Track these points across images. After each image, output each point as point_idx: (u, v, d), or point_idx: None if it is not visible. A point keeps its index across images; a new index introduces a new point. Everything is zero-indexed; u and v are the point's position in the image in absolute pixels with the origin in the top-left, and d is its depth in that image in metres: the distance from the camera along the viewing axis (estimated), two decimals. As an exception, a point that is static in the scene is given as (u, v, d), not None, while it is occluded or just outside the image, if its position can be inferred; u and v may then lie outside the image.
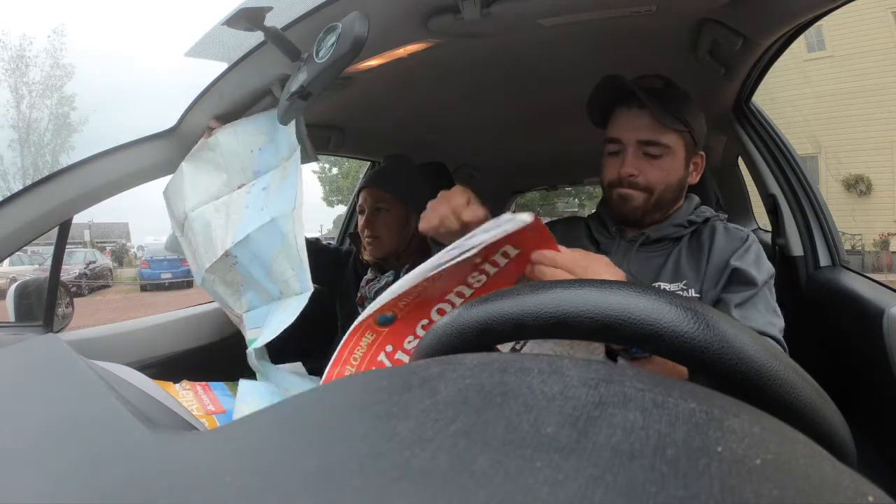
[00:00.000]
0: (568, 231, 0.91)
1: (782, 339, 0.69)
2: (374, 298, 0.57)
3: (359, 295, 1.26)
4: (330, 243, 1.69)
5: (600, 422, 0.16)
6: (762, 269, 0.74)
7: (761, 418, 0.18)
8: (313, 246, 1.34)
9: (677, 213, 0.83)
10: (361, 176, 1.58)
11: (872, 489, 0.15)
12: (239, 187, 0.88)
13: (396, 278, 1.04)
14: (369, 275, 1.27)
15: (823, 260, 1.23)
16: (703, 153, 0.84)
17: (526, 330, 0.32)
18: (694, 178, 0.84)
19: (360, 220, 1.26)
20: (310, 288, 0.71)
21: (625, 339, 0.30)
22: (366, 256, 1.26)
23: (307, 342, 1.22)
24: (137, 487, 0.19)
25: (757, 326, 0.67)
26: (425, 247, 0.58)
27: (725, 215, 0.86)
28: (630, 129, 0.78)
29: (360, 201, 1.27)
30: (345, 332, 0.56)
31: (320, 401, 0.23)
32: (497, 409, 0.18)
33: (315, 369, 0.90)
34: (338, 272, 1.39)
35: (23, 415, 0.30)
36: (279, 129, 0.82)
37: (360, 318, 0.54)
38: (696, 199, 0.86)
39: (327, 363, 0.56)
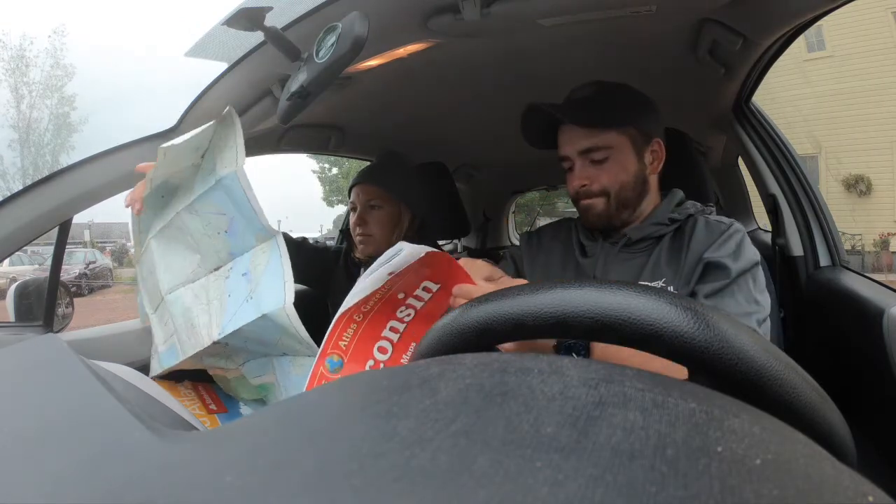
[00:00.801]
0: (557, 233, 0.92)
1: (758, 330, 0.68)
2: None
3: None
4: (330, 243, 1.69)
5: (600, 422, 0.16)
6: (740, 258, 0.72)
7: (761, 418, 0.18)
8: (296, 247, 1.30)
9: (656, 211, 0.82)
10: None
11: (872, 489, 0.15)
12: (215, 269, 0.83)
13: None
14: (363, 273, 1.25)
15: (823, 260, 1.23)
16: (660, 140, 0.82)
17: (526, 330, 0.33)
18: (655, 168, 0.82)
19: (352, 217, 1.23)
20: (317, 353, 0.66)
21: (625, 339, 0.30)
22: (358, 255, 1.24)
23: None
24: (137, 487, 0.19)
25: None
26: (419, 244, 0.58)
27: (712, 209, 0.84)
28: (569, 144, 0.81)
29: (352, 198, 1.25)
30: None
31: (320, 400, 0.23)
32: (497, 409, 0.18)
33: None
34: (326, 271, 1.37)
35: (23, 415, 0.30)
36: (236, 205, 0.76)
37: (311, 371, 0.58)
38: (680, 194, 0.85)
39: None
